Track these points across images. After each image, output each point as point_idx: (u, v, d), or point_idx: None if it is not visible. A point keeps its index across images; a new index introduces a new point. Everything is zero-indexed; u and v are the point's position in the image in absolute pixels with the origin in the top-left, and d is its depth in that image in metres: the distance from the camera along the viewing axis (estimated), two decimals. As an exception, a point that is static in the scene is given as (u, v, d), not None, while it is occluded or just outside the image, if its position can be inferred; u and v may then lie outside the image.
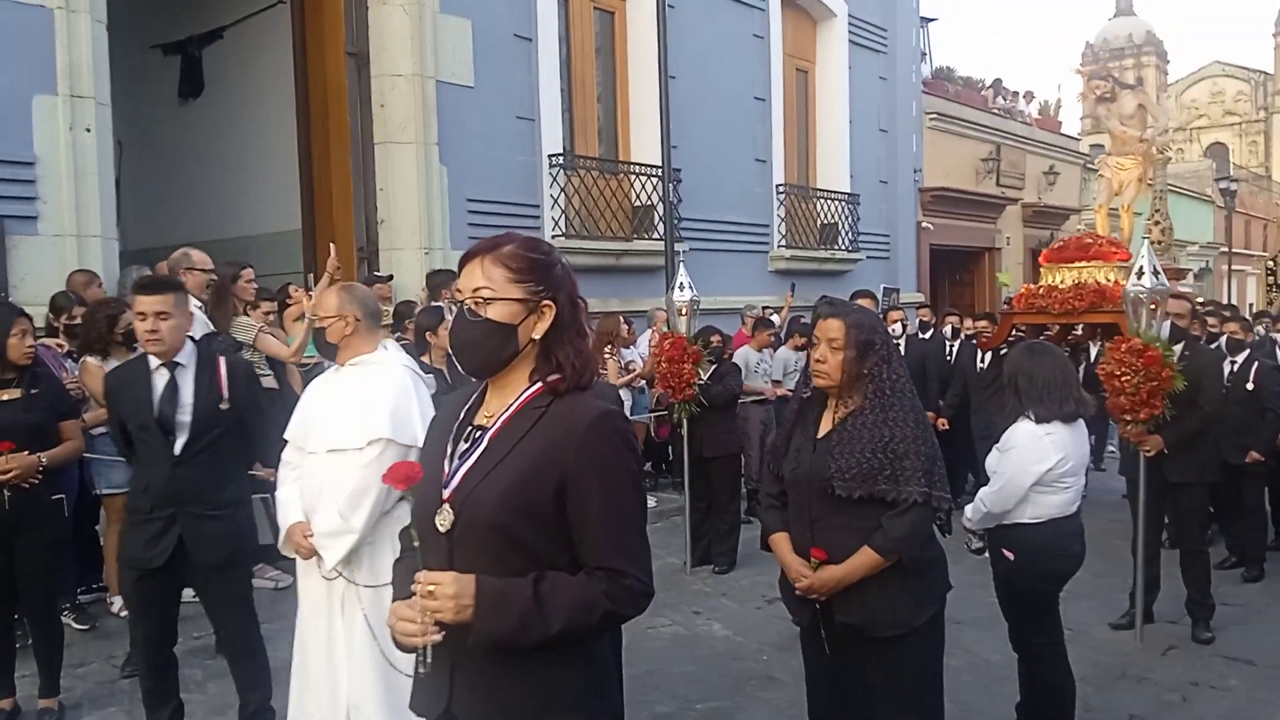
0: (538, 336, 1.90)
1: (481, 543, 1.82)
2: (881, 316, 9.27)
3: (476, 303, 1.87)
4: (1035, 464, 3.80)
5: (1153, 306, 5.19)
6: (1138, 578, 5.41)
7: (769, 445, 3.07)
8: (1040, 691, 3.99)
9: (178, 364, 3.76)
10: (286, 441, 3.55)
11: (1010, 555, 3.88)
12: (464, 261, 1.92)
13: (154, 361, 3.75)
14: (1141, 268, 5.24)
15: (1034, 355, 4.02)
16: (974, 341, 8.89)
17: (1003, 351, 7.85)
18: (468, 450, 1.92)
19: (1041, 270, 8.20)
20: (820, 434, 2.96)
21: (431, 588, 1.74)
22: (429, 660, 1.80)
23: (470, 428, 1.97)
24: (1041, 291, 7.80)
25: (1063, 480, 3.85)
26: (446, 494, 1.87)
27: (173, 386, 3.74)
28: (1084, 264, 7.76)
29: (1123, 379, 5.13)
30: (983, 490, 3.97)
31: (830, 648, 3.02)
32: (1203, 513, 5.66)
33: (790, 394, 7.64)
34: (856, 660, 2.98)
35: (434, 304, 6.84)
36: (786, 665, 5.09)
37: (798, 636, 5.21)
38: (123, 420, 3.83)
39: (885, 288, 13.92)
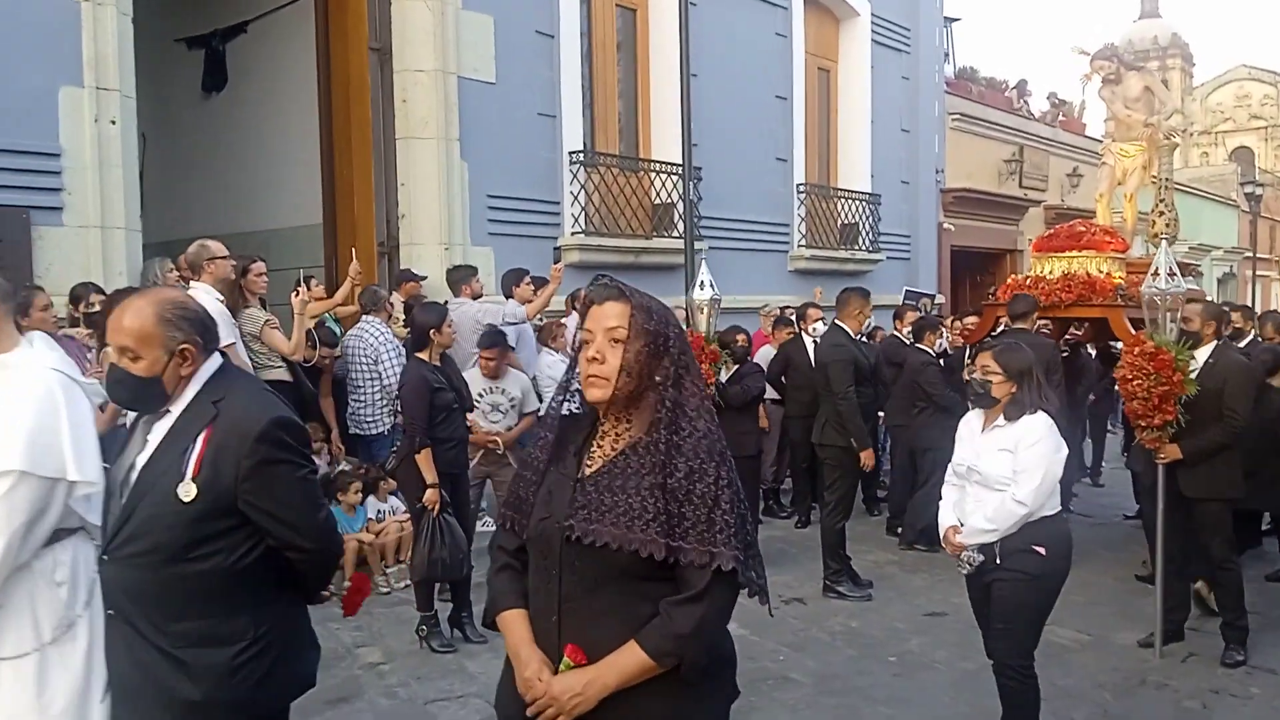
0: None
1: None
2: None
3: None
4: (1060, 451, 3.80)
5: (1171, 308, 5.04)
6: (1158, 591, 5.26)
7: (510, 490, 2.22)
8: (1029, 700, 3.88)
9: None
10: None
11: (1043, 550, 3.74)
12: None
13: None
14: (1158, 268, 5.05)
15: (1031, 349, 4.04)
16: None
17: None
18: None
19: (1032, 260, 7.77)
20: (587, 471, 2.08)
21: None
22: None
23: None
24: (1028, 283, 7.33)
25: None
26: None
27: None
28: (1075, 254, 7.29)
29: (1134, 383, 5.01)
30: (1013, 493, 3.73)
31: None
32: (1227, 529, 5.33)
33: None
34: None
35: (431, 301, 6.82)
36: (802, 666, 5.07)
37: (814, 637, 5.18)
38: None
39: (909, 290, 13.64)
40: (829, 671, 5.01)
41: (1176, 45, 56.46)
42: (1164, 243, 5.62)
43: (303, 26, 9.38)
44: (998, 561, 3.79)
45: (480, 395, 6.23)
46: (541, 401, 7.93)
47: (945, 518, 4.07)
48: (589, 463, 2.09)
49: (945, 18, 16.48)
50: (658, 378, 2.05)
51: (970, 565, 3.87)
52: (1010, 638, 3.82)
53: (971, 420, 4.08)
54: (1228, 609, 5.28)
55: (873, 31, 13.80)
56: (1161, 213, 7.66)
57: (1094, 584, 6.48)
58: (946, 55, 17.10)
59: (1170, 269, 5.05)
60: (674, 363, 2.06)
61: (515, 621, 2.11)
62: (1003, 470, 3.78)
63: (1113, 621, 5.69)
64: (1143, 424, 5.10)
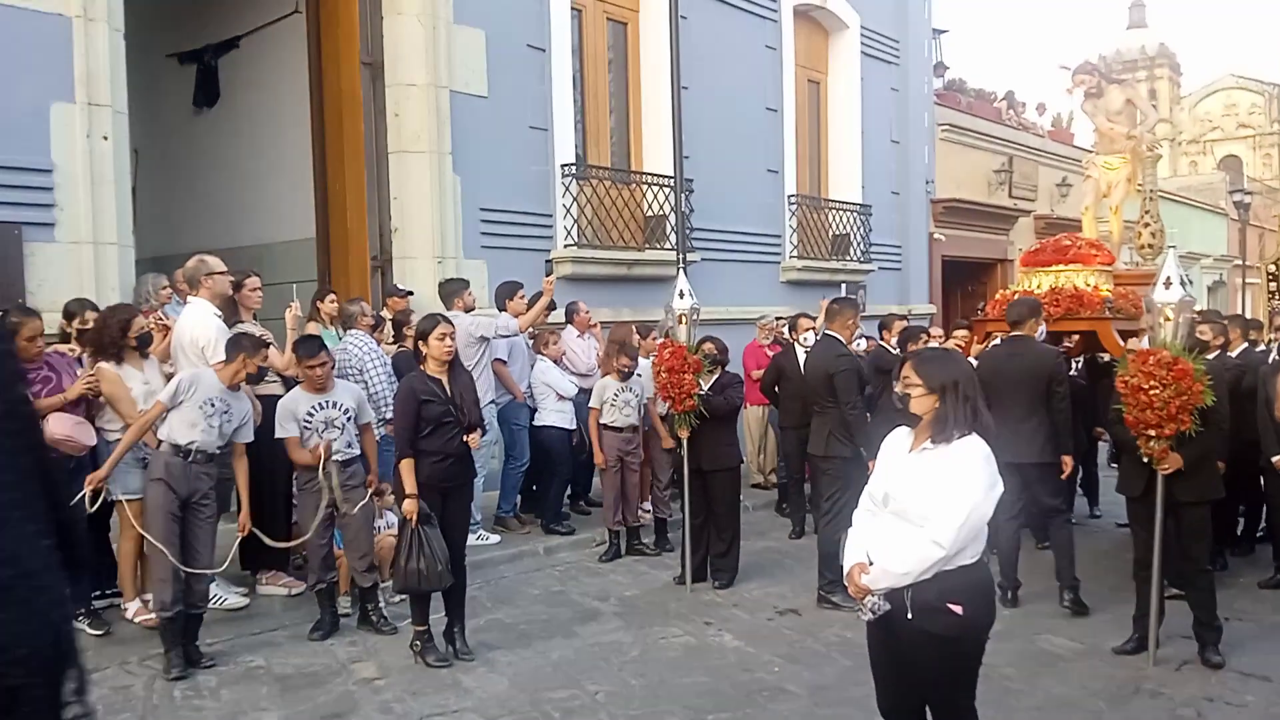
0: None
1: None
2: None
3: None
4: (995, 488, 3.12)
5: (1174, 317, 5.01)
6: (1153, 600, 5.24)
7: None
8: None
9: None
10: None
11: (959, 609, 3.07)
12: None
13: None
14: (1169, 277, 4.99)
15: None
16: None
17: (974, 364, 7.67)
18: None
19: (1020, 275, 7.78)
20: None
21: None
22: None
23: None
24: (1016, 297, 7.25)
25: None
26: None
27: None
28: (1062, 267, 7.32)
29: (1150, 392, 4.94)
30: (930, 531, 3.04)
31: None
32: (1207, 532, 5.42)
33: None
34: None
35: (432, 313, 6.76)
36: (798, 677, 5.07)
37: (810, 649, 5.17)
38: None
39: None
40: (824, 682, 5.01)
41: (1164, 55, 56.88)
42: (1171, 251, 5.58)
43: (294, 41, 9.40)
44: (908, 616, 3.12)
45: (310, 414, 5.58)
46: (537, 411, 7.95)
47: (853, 552, 3.33)
48: None
49: (933, 29, 16.58)
50: None
51: (873, 613, 3.18)
52: (944, 706, 3.27)
53: (899, 439, 3.33)
54: (1205, 610, 5.32)
55: (862, 43, 13.88)
56: (1147, 224, 7.66)
57: (1088, 592, 6.49)
58: (945, 67, 17.16)
59: (1181, 277, 5.01)
60: None
61: None
62: (924, 501, 3.11)
63: (1107, 629, 5.69)
64: (1152, 433, 5.03)
